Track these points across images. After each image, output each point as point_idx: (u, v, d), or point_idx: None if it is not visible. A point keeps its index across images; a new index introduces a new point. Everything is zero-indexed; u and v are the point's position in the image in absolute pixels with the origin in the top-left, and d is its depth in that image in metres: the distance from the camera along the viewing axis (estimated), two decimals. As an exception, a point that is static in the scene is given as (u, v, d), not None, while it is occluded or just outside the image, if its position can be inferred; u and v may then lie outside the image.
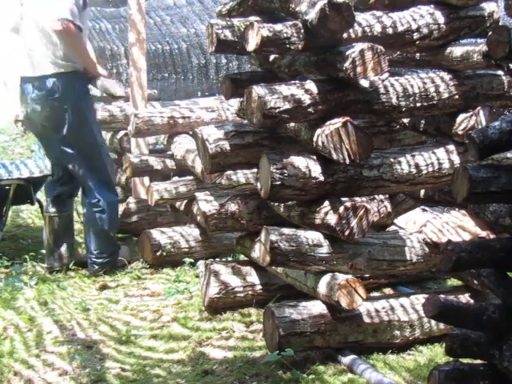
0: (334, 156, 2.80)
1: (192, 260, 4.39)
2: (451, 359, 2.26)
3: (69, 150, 4.28)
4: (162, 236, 4.50)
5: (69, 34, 4.05)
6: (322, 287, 2.96)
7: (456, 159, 3.10)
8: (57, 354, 3.20)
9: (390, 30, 2.97)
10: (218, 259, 4.22)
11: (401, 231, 3.24)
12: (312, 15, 2.72)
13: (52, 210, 4.50)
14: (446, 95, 3.08)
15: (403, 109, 3.01)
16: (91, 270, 4.39)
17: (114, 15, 8.86)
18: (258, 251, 3.11)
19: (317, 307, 3.00)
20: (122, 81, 8.66)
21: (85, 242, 4.54)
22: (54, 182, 4.58)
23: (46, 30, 4.15)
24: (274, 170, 2.83)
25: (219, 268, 3.62)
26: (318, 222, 2.92)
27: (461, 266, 2.10)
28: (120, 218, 4.99)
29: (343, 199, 2.91)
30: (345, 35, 2.83)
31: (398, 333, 3.07)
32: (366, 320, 3.02)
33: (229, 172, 4.31)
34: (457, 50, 3.09)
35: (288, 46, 2.85)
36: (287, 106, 2.80)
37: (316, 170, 2.88)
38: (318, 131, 2.84)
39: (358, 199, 2.95)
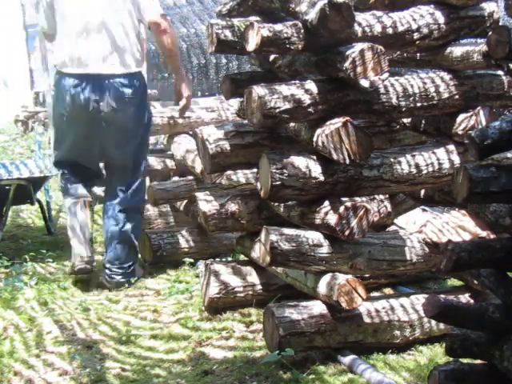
0: (334, 156, 2.80)
1: (192, 260, 4.39)
2: (451, 359, 2.26)
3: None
4: (162, 236, 4.50)
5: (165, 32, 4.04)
6: (322, 287, 2.96)
7: (456, 159, 3.10)
8: (57, 354, 3.20)
9: (390, 30, 2.97)
10: (217, 259, 4.22)
11: (401, 231, 3.24)
12: (312, 15, 2.73)
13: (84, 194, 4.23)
14: (446, 95, 3.08)
15: (403, 109, 3.02)
16: (111, 282, 4.13)
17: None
18: (258, 251, 3.11)
19: (317, 307, 3.00)
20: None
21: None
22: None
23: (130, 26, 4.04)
24: (274, 170, 2.83)
25: (219, 268, 3.62)
26: (318, 221, 2.92)
27: (461, 265, 2.10)
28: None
29: (343, 199, 2.91)
30: (345, 35, 2.83)
31: (398, 333, 3.07)
32: (366, 320, 3.02)
33: (229, 172, 4.31)
34: (457, 50, 3.09)
35: (288, 46, 2.85)
36: (287, 106, 2.80)
37: (316, 170, 2.88)
38: (318, 131, 2.84)
39: (358, 199, 2.95)
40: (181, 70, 4.25)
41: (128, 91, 4.00)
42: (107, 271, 4.15)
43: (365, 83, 2.78)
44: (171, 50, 4.11)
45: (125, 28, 4.01)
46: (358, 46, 2.75)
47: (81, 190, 4.23)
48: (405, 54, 3.40)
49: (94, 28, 3.98)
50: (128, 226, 4.16)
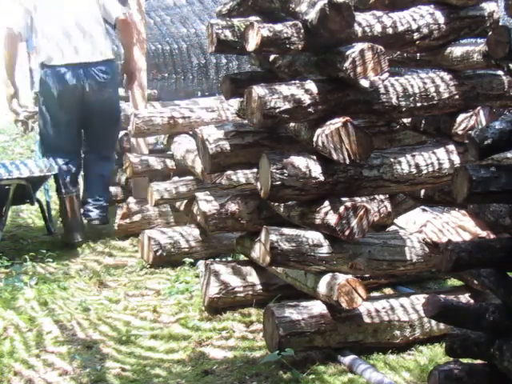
0: (334, 156, 2.80)
1: (192, 260, 4.39)
2: (451, 359, 2.26)
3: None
4: (162, 236, 4.50)
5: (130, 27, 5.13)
6: (322, 287, 2.96)
7: (456, 159, 3.10)
8: (57, 354, 3.20)
9: (390, 30, 2.97)
10: (217, 259, 4.22)
11: (401, 231, 3.24)
12: (312, 15, 2.73)
13: (73, 189, 5.07)
14: (446, 95, 3.08)
15: (403, 109, 3.02)
16: (96, 220, 5.11)
17: (114, 15, 8.83)
18: (258, 251, 3.11)
19: (317, 307, 3.00)
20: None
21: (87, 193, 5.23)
22: (70, 167, 5.13)
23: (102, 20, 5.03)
24: (274, 170, 2.83)
25: (219, 268, 3.62)
26: (318, 221, 2.92)
27: (461, 265, 2.10)
28: (120, 218, 5.04)
29: (343, 199, 2.91)
30: (345, 35, 2.83)
31: (398, 333, 3.07)
32: (366, 320, 3.02)
33: (229, 172, 4.31)
34: (457, 50, 3.09)
35: (288, 46, 2.85)
36: (287, 106, 2.80)
37: (316, 170, 2.88)
38: (318, 131, 2.84)
39: (358, 199, 2.95)
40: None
41: (104, 75, 4.94)
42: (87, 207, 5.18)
43: (365, 83, 2.78)
44: (133, 40, 5.23)
45: (96, 26, 4.98)
46: (358, 46, 2.75)
47: (70, 184, 5.08)
48: (405, 54, 3.40)
49: (73, 27, 4.90)
50: (105, 172, 5.24)
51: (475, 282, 2.98)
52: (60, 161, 5.04)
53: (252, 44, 2.86)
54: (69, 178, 5.05)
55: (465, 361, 2.28)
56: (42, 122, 5.11)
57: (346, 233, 2.86)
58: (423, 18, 3.04)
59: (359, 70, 2.73)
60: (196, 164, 4.31)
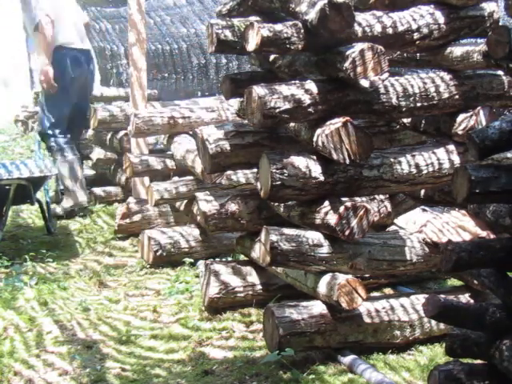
0: (334, 156, 2.80)
1: (192, 260, 4.39)
2: (451, 359, 2.26)
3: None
4: (162, 236, 4.50)
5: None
6: (322, 287, 2.96)
7: (456, 159, 3.10)
8: (57, 354, 3.20)
9: (390, 30, 2.97)
10: (217, 259, 4.22)
11: (401, 231, 3.24)
12: (312, 15, 2.73)
13: (74, 155, 5.82)
14: (446, 95, 3.08)
15: (403, 109, 3.02)
16: None
17: (113, 15, 8.83)
18: (258, 251, 3.11)
19: (317, 307, 3.00)
20: (122, 81, 8.67)
21: None
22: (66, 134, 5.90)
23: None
24: (274, 170, 2.83)
25: (219, 268, 3.62)
26: (318, 222, 2.92)
27: (461, 266, 2.10)
28: (120, 218, 5.05)
29: (343, 199, 2.91)
30: (345, 35, 2.83)
31: (398, 333, 3.07)
32: (366, 320, 3.02)
33: (229, 172, 4.31)
34: (457, 50, 3.09)
35: (288, 46, 2.85)
36: (287, 105, 2.80)
37: (316, 170, 2.88)
38: (318, 131, 2.84)
39: (358, 199, 2.95)
40: None
41: (92, 60, 6.18)
42: None
43: (365, 83, 2.78)
44: None
45: (80, 21, 6.07)
46: (358, 46, 2.75)
47: (73, 150, 5.85)
48: (405, 54, 3.40)
49: (74, 20, 5.91)
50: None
51: (475, 281, 2.98)
52: (60, 133, 5.82)
53: (252, 44, 2.86)
54: (69, 148, 5.80)
55: (465, 361, 2.28)
56: (52, 98, 5.77)
57: (346, 233, 2.86)
58: (423, 18, 3.04)
59: (359, 70, 2.74)
60: (196, 164, 4.31)
